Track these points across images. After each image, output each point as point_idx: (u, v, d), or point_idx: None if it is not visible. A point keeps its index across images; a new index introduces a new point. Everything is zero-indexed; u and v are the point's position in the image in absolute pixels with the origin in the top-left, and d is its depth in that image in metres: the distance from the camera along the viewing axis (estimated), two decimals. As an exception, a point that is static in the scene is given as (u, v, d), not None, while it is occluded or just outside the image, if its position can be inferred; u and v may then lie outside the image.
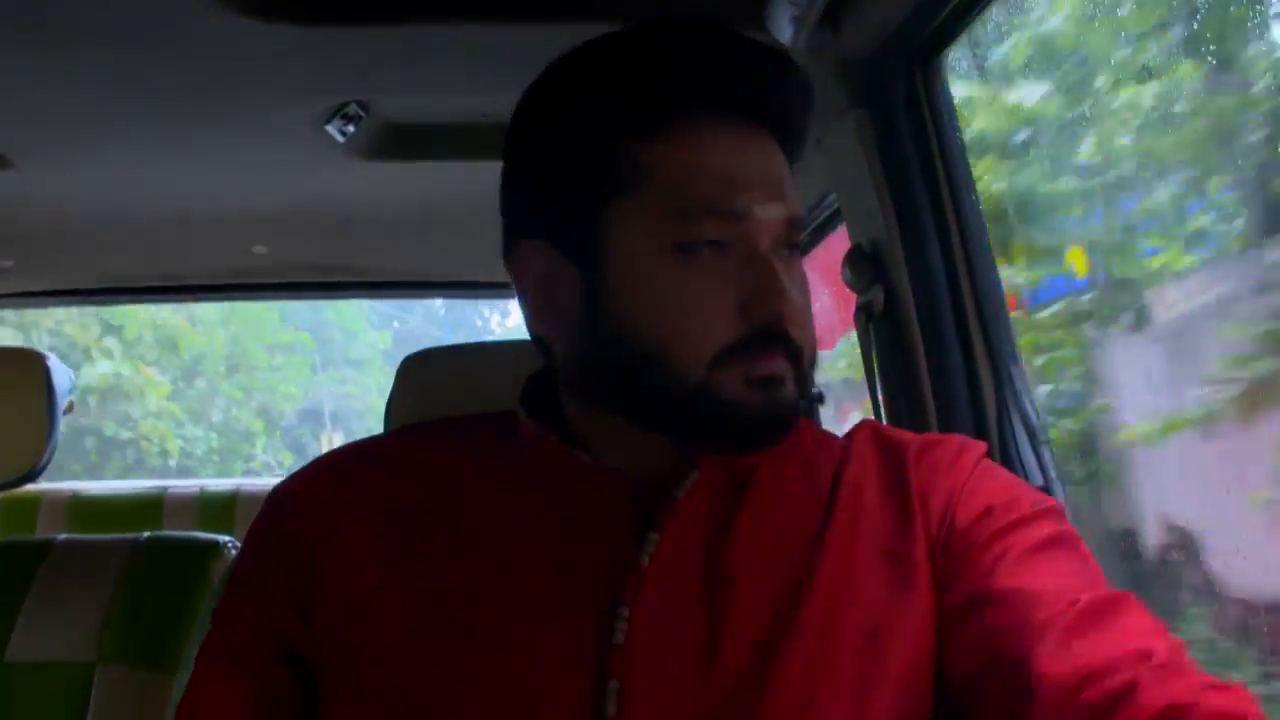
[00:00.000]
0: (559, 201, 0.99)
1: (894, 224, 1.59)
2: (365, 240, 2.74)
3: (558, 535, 0.97)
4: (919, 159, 1.58)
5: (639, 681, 0.91)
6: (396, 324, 16.30)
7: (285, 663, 0.99)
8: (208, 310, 12.57)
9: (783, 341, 0.93)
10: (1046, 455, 1.53)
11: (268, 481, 3.27)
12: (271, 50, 1.57)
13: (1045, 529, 0.97)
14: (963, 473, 1.01)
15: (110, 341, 12.08)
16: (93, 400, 11.86)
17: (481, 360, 1.54)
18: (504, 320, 15.47)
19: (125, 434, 12.35)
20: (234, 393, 13.60)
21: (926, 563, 0.98)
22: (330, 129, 1.88)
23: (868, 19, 1.46)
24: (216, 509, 2.95)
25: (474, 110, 1.97)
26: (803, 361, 0.95)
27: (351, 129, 1.89)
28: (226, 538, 1.68)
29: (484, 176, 2.19)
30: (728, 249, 0.93)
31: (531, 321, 1.03)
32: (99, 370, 11.82)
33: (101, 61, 1.59)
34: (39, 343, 10.82)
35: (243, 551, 1.06)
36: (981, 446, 1.05)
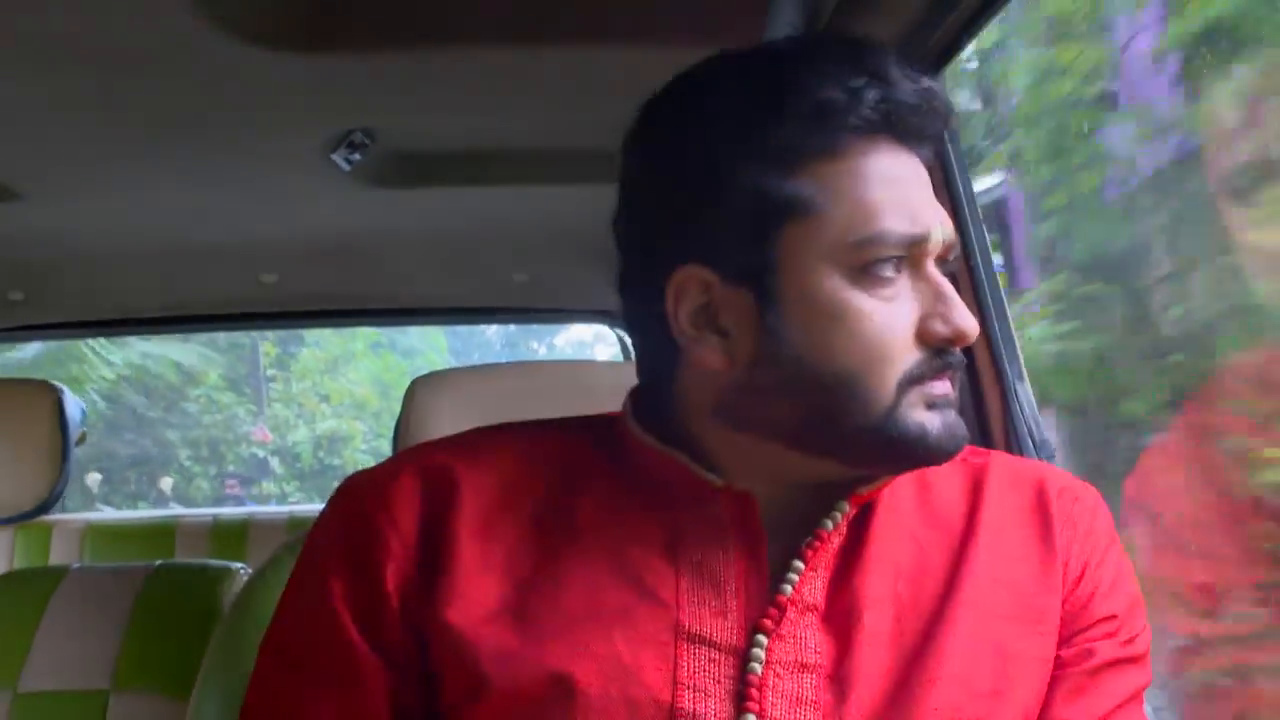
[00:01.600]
0: (726, 227, 0.95)
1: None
2: (373, 268, 2.75)
3: (686, 554, 0.96)
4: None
5: (777, 714, 0.91)
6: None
7: (403, 611, 0.95)
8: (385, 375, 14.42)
9: (954, 362, 0.93)
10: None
11: (279, 509, 3.28)
12: (276, 79, 1.58)
13: (1141, 678, 1.00)
14: (1100, 545, 1.02)
15: (325, 407, 14.41)
16: (324, 444, 14.08)
17: (490, 383, 1.55)
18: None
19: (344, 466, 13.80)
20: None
21: (1058, 617, 0.98)
22: (336, 157, 1.89)
23: (870, 32, 1.46)
24: (229, 537, 2.95)
25: (479, 137, 1.98)
26: (959, 381, 0.96)
27: (357, 157, 1.90)
28: (239, 564, 1.68)
29: (490, 203, 2.23)
30: (901, 271, 0.92)
31: (691, 351, 0.98)
32: (325, 425, 14.34)
33: (108, 91, 1.61)
34: (290, 410, 13.92)
35: (330, 532, 1.01)
36: (1105, 505, 1.05)
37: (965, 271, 1.57)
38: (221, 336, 12.21)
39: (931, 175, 0.97)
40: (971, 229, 1.57)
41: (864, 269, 0.91)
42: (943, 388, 0.93)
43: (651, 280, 0.98)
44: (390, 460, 1.05)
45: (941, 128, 0.97)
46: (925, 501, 1.02)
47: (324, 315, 3.21)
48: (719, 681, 0.91)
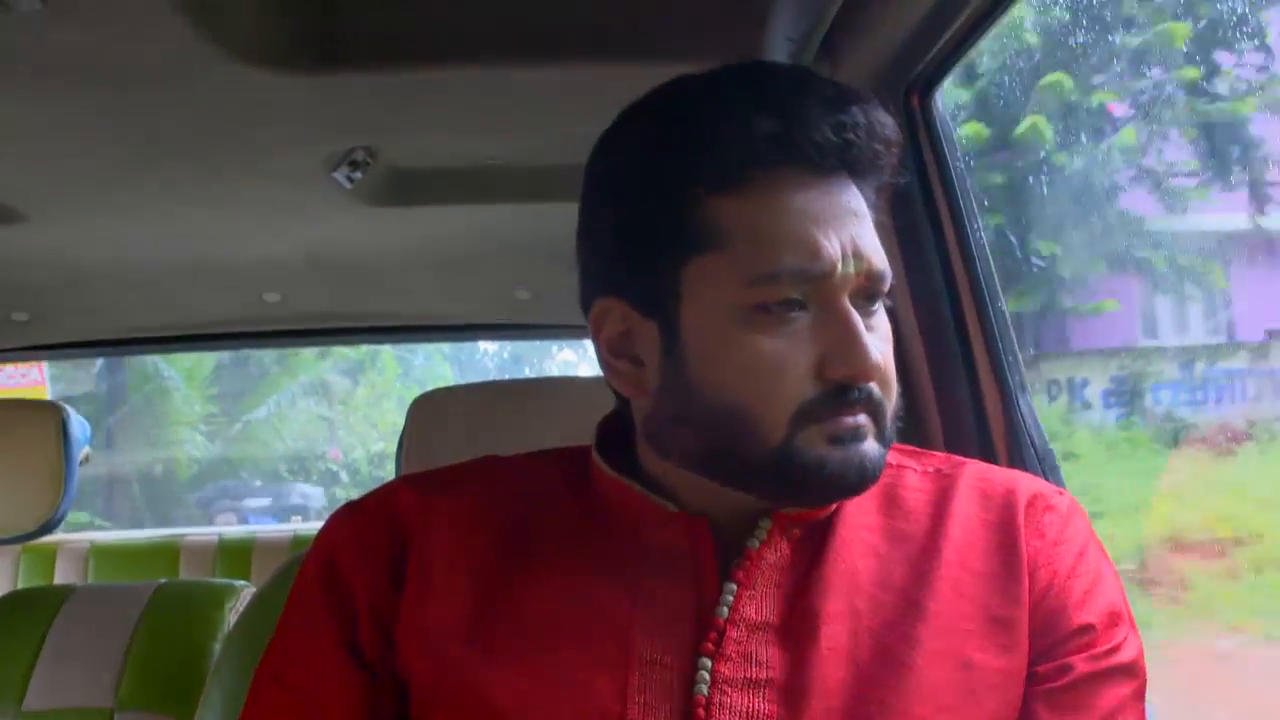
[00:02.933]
0: (636, 259, 0.97)
1: (896, 255, 1.60)
2: (376, 285, 2.76)
3: (640, 578, 0.98)
4: (920, 187, 1.59)
5: None
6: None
7: (379, 631, 1.00)
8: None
9: (864, 398, 0.93)
10: (1056, 481, 1.53)
11: (282, 528, 3.28)
12: (277, 98, 1.59)
13: (1127, 686, 0.98)
14: (1070, 553, 1.01)
15: (374, 432, 15.49)
16: (375, 460, 14.72)
17: (493, 399, 1.56)
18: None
19: (387, 475, 15.10)
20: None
21: (1028, 628, 0.98)
22: (337, 176, 1.90)
23: (863, 50, 1.47)
24: (233, 555, 2.95)
25: (480, 154, 1.98)
26: (885, 414, 0.95)
27: (359, 175, 1.90)
28: (242, 582, 1.69)
29: (491, 219, 2.24)
30: (806, 305, 0.92)
31: (609, 378, 1.02)
32: (376, 447, 15.05)
33: (111, 111, 1.61)
34: (352, 436, 15.39)
35: (330, 545, 1.05)
36: (1083, 513, 1.04)
37: (965, 283, 1.58)
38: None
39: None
40: (970, 240, 1.58)
41: (760, 305, 0.92)
42: (847, 423, 0.93)
43: (587, 308, 1.02)
44: (372, 492, 1.09)
45: (875, 149, 0.95)
46: (890, 516, 1.02)
47: (327, 333, 3.22)
48: (668, 700, 0.93)
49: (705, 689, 0.93)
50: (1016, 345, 1.60)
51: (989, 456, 1.56)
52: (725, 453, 0.95)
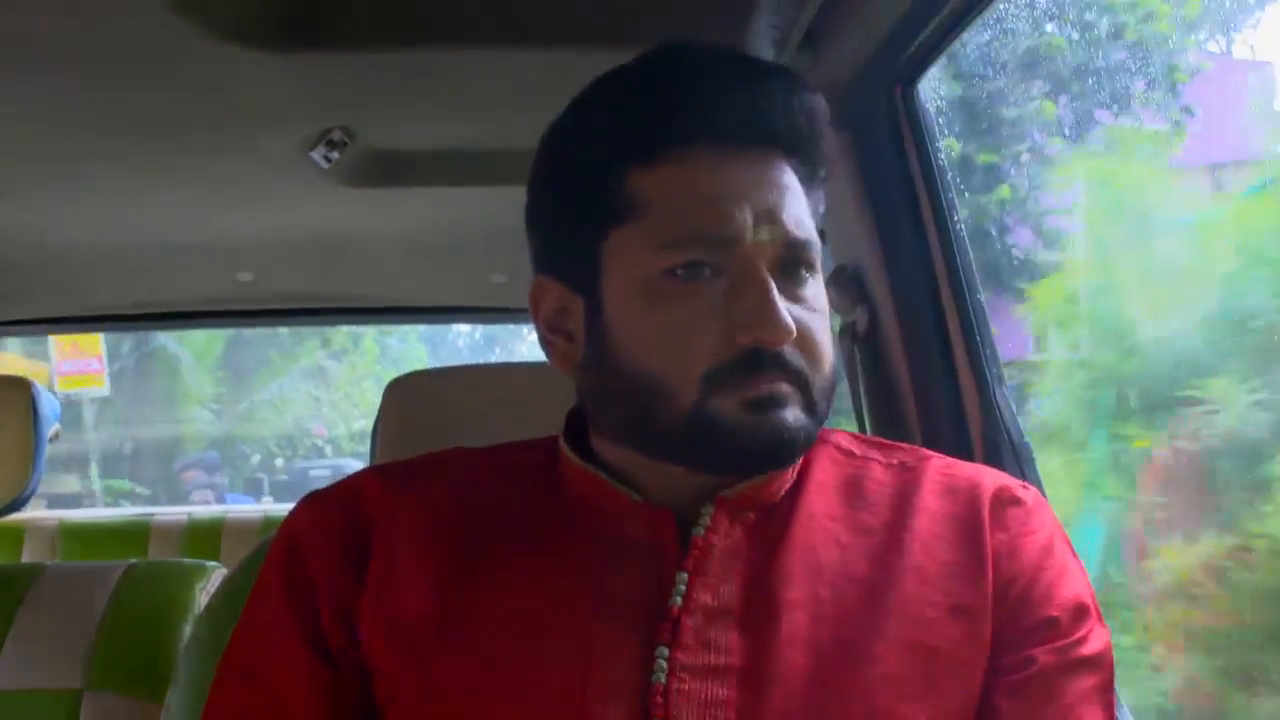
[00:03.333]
0: (564, 236, 1.01)
1: (876, 245, 1.60)
2: (351, 267, 2.75)
3: (603, 569, 0.98)
4: (900, 180, 1.59)
5: (684, 718, 0.92)
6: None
7: (343, 623, 1.00)
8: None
9: (777, 364, 0.93)
10: (1032, 474, 1.54)
11: (253, 509, 3.27)
12: (254, 78, 1.57)
13: (1092, 679, 0.98)
14: (1035, 546, 1.01)
15: (355, 410, 16.38)
16: (356, 436, 15.64)
17: (468, 384, 1.55)
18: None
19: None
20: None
21: (991, 619, 0.98)
22: (314, 156, 1.89)
23: (847, 42, 1.47)
24: (203, 536, 2.94)
25: (458, 137, 1.98)
26: (809, 382, 0.95)
27: (335, 155, 1.89)
28: (213, 563, 1.68)
29: (468, 203, 2.23)
30: (720, 274, 0.93)
31: (548, 354, 1.04)
32: (357, 424, 15.84)
33: (85, 90, 1.60)
34: (335, 413, 16.55)
35: (293, 536, 1.05)
36: (1049, 508, 1.05)
37: (945, 276, 1.58)
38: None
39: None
40: (949, 226, 1.58)
41: (671, 272, 0.93)
42: (764, 388, 0.93)
43: (531, 290, 1.05)
44: (339, 482, 1.10)
45: (794, 123, 0.98)
46: (853, 507, 1.02)
47: (301, 314, 3.20)
48: (628, 690, 0.93)
49: (663, 677, 0.93)
50: (993, 336, 1.61)
51: (965, 447, 1.57)
52: (643, 421, 0.96)
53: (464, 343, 18.49)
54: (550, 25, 1.53)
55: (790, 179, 0.98)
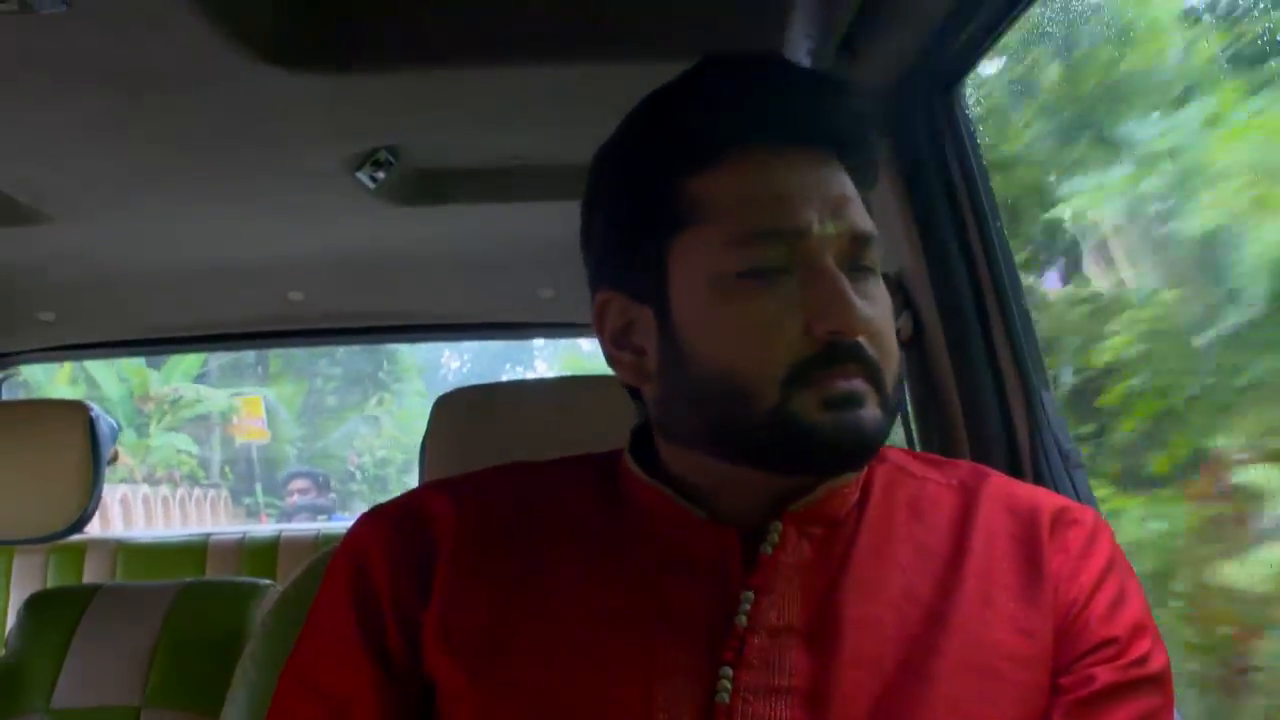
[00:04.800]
0: (626, 248, 1.00)
1: (919, 252, 1.60)
2: (399, 284, 2.77)
3: (665, 584, 0.98)
4: (942, 185, 1.59)
5: None
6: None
7: (405, 635, 1.00)
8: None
9: (856, 356, 0.92)
10: (1080, 479, 1.52)
11: (307, 527, 3.29)
12: (300, 99, 1.59)
13: (1154, 699, 0.97)
14: (1095, 568, 1.00)
15: (376, 441, 19.35)
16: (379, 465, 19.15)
17: (517, 399, 1.55)
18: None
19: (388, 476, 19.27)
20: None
21: (1052, 641, 0.97)
22: (361, 176, 1.91)
23: (885, 47, 1.47)
24: (260, 554, 2.96)
25: (502, 153, 1.99)
26: (884, 380, 0.94)
27: (381, 175, 1.91)
28: (268, 581, 1.69)
29: (514, 218, 2.24)
30: (790, 271, 0.93)
31: (615, 370, 1.04)
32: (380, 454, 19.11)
33: (133, 113, 1.62)
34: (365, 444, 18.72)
35: (356, 549, 1.06)
36: (1108, 529, 1.04)
37: (989, 281, 1.57)
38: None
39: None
40: (992, 230, 1.57)
41: (742, 272, 0.93)
42: (845, 385, 0.92)
43: (592, 305, 1.04)
44: (400, 497, 1.10)
45: (844, 126, 0.98)
46: (913, 528, 1.01)
47: (351, 333, 3.22)
48: (692, 709, 0.92)
49: (727, 697, 0.92)
50: (1039, 341, 1.60)
51: (1013, 453, 1.56)
52: (723, 424, 0.95)
53: (453, 377, 20.72)
54: (589, 39, 1.54)
55: (843, 177, 0.98)
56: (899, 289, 1.66)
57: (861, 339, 0.93)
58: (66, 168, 1.86)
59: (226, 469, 17.60)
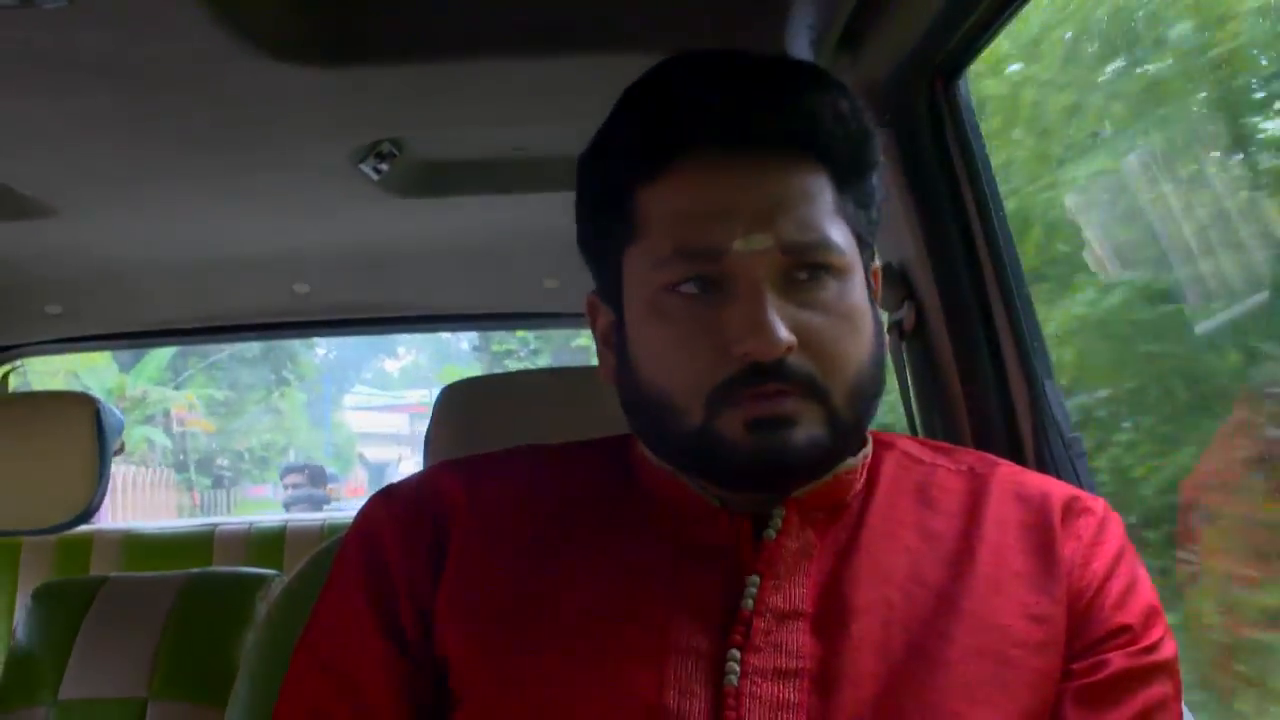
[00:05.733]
0: (598, 253, 1.03)
1: (922, 242, 1.60)
2: (404, 276, 2.77)
3: (677, 568, 0.98)
4: (944, 176, 1.59)
5: (755, 719, 0.92)
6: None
7: (418, 615, 1.01)
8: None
9: (780, 374, 0.92)
10: (1083, 468, 1.53)
11: (313, 517, 3.30)
12: (303, 92, 1.59)
13: (1165, 687, 0.98)
14: (1107, 555, 1.00)
15: None
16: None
17: (522, 389, 1.56)
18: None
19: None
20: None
21: (1065, 627, 0.97)
22: (364, 168, 1.91)
23: (887, 38, 1.47)
24: (266, 545, 2.97)
25: (505, 144, 1.99)
26: (827, 391, 0.94)
27: (385, 167, 1.91)
28: (274, 571, 1.70)
29: (519, 209, 2.24)
30: (720, 285, 0.93)
31: (600, 372, 1.06)
32: None
33: (138, 107, 1.62)
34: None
35: (369, 528, 1.07)
36: (1118, 519, 1.04)
37: (991, 271, 1.58)
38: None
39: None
40: (994, 221, 1.58)
41: (669, 288, 0.94)
42: (767, 407, 0.92)
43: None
44: (412, 476, 1.11)
45: (792, 127, 0.96)
46: (923, 513, 1.02)
47: (356, 323, 3.23)
48: (703, 691, 0.93)
49: (735, 679, 0.93)
50: (1042, 331, 1.60)
51: (1016, 442, 1.56)
52: (660, 435, 0.98)
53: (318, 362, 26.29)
54: (591, 31, 1.54)
55: (797, 179, 0.95)
56: (901, 279, 1.66)
57: (791, 356, 0.91)
58: (71, 162, 1.86)
59: (167, 453, 21.65)
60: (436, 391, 1.47)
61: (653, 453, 1.02)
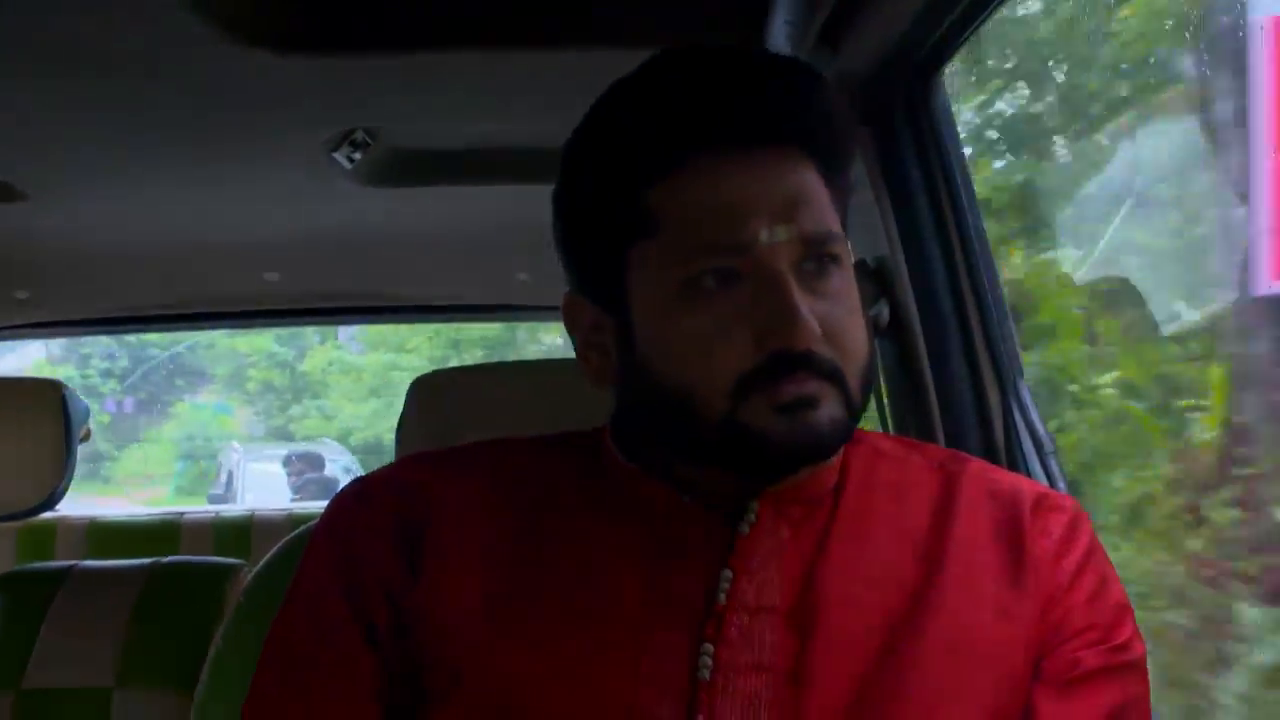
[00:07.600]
0: (588, 255, 1.01)
1: (897, 240, 1.60)
2: (376, 266, 2.76)
3: (652, 564, 0.98)
4: (920, 174, 1.59)
5: (725, 714, 0.92)
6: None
7: (390, 609, 1.00)
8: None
9: (806, 363, 0.92)
10: (1054, 466, 1.53)
11: (281, 507, 3.29)
12: (278, 79, 1.58)
13: (1134, 687, 0.98)
14: (1078, 554, 1.01)
15: None
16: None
17: (494, 382, 1.55)
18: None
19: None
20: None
21: (1035, 624, 0.98)
22: (338, 156, 1.90)
23: (866, 36, 1.47)
24: (232, 534, 2.96)
25: (480, 135, 1.98)
26: (844, 377, 0.94)
27: (359, 156, 1.90)
28: (241, 561, 1.69)
29: (492, 201, 2.24)
30: (741, 279, 0.93)
31: (583, 370, 1.05)
32: None
33: (111, 92, 1.61)
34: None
35: (339, 522, 1.06)
36: (1088, 517, 1.04)
37: (965, 269, 1.58)
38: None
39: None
40: (969, 220, 1.58)
41: (692, 282, 0.93)
42: (794, 390, 0.92)
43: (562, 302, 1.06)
44: (381, 470, 1.10)
45: (806, 116, 0.97)
46: (893, 508, 1.02)
47: (327, 313, 3.22)
48: (676, 685, 0.93)
49: (708, 674, 0.93)
50: (1014, 330, 1.61)
51: (988, 440, 1.56)
52: (677, 434, 0.97)
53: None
54: (571, 25, 1.54)
55: (805, 174, 0.97)
56: (876, 277, 1.66)
57: (814, 346, 0.92)
58: (42, 147, 1.85)
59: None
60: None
61: (674, 451, 1.00)
